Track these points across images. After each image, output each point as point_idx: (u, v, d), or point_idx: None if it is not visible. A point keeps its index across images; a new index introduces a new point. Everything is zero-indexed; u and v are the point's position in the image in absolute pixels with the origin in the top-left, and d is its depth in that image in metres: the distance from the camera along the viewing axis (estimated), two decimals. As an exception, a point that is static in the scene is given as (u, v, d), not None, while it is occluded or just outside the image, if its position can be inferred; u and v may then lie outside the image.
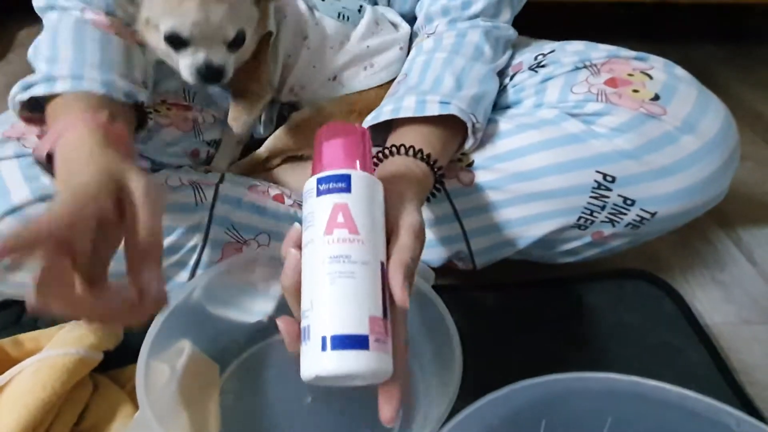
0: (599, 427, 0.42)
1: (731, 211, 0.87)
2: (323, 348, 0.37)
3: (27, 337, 0.58)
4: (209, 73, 0.61)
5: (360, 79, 0.72)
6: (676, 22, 1.50)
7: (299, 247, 0.42)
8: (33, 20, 0.63)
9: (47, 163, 0.51)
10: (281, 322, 0.41)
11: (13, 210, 0.55)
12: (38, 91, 0.54)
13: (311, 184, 0.43)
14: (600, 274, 0.73)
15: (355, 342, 0.37)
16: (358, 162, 0.43)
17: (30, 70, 0.58)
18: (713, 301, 0.73)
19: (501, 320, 0.68)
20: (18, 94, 0.55)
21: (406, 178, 0.49)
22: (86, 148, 0.47)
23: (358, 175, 0.42)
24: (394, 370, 0.39)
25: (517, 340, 0.66)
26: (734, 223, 0.87)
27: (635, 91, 0.58)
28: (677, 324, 0.68)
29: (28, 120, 0.58)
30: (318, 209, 0.41)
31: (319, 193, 0.42)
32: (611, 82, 0.59)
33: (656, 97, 0.57)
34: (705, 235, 0.84)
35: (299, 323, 0.40)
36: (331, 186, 0.42)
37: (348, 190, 0.41)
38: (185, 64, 0.61)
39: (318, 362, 0.37)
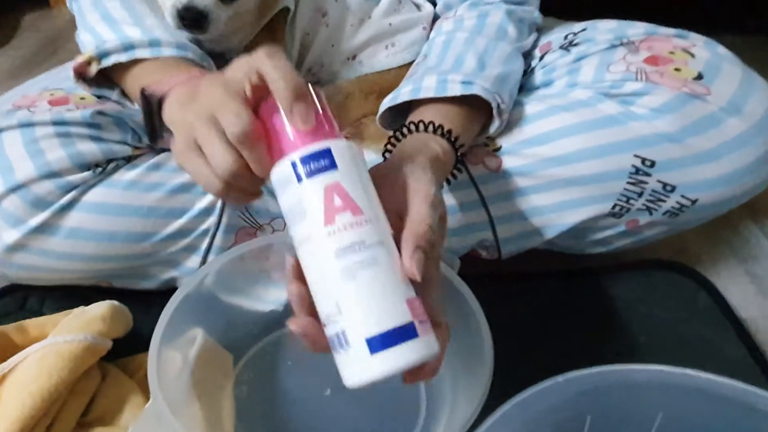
0: (649, 423, 0.39)
1: (761, 202, 0.83)
2: (372, 351, 0.33)
3: (32, 324, 0.56)
4: (189, 16, 0.56)
5: (381, 59, 0.69)
6: (699, 11, 1.46)
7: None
8: (37, 6, 0.61)
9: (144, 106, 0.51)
10: (293, 325, 0.36)
11: (18, 187, 0.53)
12: (143, 54, 0.54)
13: (284, 170, 0.36)
14: (629, 264, 0.70)
15: (403, 334, 0.34)
16: (325, 126, 0.37)
17: (36, 54, 0.56)
18: (747, 295, 0.70)
19: (525, 312, 0.65)
20: (116, 54, 0.55)
21: (423, 154, 0.46)
22: None
23: (337, 145, 0.36)
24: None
25: (541, 332, 0.63)
26: (765, 215, 0.83)
27: (677, 69, 0.54)
28: (712, 317, 0.65)
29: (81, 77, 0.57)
30: (306, 197, 0.35)
31: (300, 177, 0.36)
32: (651, 60, 0.55)
33: (699, 76, 0.54)
34: (735, 227, 0.81)
35: (314, 320, 0.36)
36: (312, 167, 0.35)
37: (333, 165, 0.35)
38: (168, 4, 0.57)
39: (369, 368, 0.34)
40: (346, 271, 0.34)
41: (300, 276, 0.37)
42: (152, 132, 0.54)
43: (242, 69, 0.37)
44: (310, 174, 0.35)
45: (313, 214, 0.35)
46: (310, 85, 0.37)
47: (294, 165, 0.36)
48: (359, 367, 0.34)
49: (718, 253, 0.76)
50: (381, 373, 0.33)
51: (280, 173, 0.36)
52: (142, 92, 0.51)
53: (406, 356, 0.33)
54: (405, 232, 0.37)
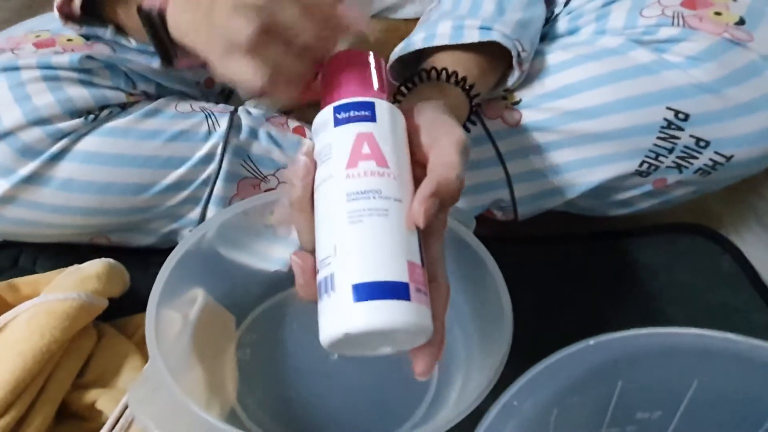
0: (683, 390, 0.36)
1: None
2: (355, 299, 0.30)
3: (24, 281, 0.53)
4: None
5: (406, 9, 0.64)
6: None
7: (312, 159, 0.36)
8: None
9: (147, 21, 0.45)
10: (296, 256, 0.34)
11: (5, 134, 0.50)
12: None
13: (326, 114, 0.37)
14: (651, 228, 0.67)
15: (394, 290, 0.31)
16: (377, 91, 0.38)
17: (28, 6, 0.51)
18: (773, 261, 0.67)
19: (540, 277, 0.62)
20: None
21: (437, 103, 0.42)
22: None
23: (381, 104, 0.37)
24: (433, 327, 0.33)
25: (558, 299, 0.60)
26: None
27: (717, 13, 0.50)
28: (738, 283, 0.62)
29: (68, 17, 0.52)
30: (337, 140, 0.35)
31: (338, 122, 0.36)
32: (689, 4, 0.51)
33: (741, 21, 0.50)
34: (759, 191, 0.78)
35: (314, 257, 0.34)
36: (352, 114, 0.36)
37: (373, 119, 0.36)
38: None
39: (348, 316, 0.30)
40: (354, 214, 0.33)
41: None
42: (165, 54, 0.48)
43: None
44: (348, 120, 0.36)
45: (339, 155, 0.35)
46: (372, 54, 0.39)
47: (335, 109, 0.37)
48: (338, 316, 0.31)
49: (741, 218, 0.73)
50: (358, 325, 0.30)
51: (321, 117, 0.37)
52: (139, 11, 0.46)
53: (391, 315, 0.30)
54: (428, 176, 0.34)
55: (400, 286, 0.31)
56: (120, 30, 0.54)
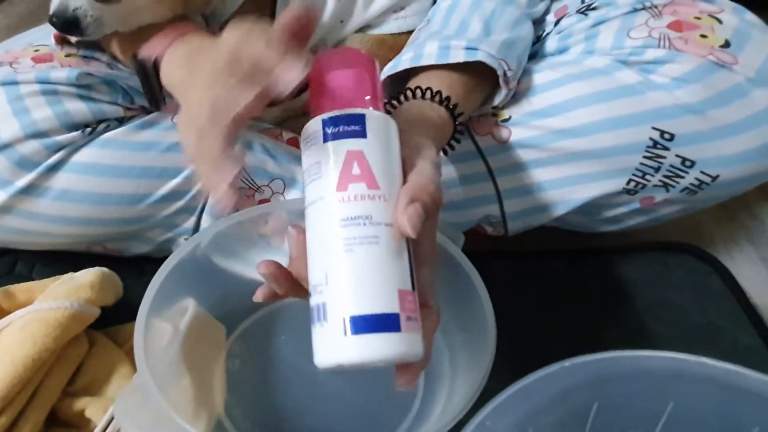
0: (658, 412, 0.37)
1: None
2: (346, 332, 0.31)
3: (19, 288, 0.54)
4: (60, 20, 0.50)
5: (389, 24, 0.65)
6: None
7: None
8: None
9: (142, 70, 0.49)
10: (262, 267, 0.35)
11: (3, 147, 0.51)
12: None
13: (314, 126, 0.35)
14: (641, 246, 0.68)
15: (385, 323, 0.31)
16: (368, 98, 0.36)
17: (33, 12, 0.53)
18: (761, 280, 0.67)
19: (530, 292, 0.63)
20: None
21: (420, 122, 0.43)
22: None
23: (373, 116, 0.35)
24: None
25: (547, 314, 0.61)
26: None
27: (703, 36, 0.51)
28: (725, 303, 0.62)
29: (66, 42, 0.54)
30: (326, 158, 0.34)
31: (327, 138, 0.35)
32: (675, 26, 0.52)
33: (726, 44, 0.51)
34: (751, 210, 0.78)
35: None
36: (341, 129, 0.35)
37: (363, 134, 0.34)
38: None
39: (340, 349, 0.31)
40: (345, 242, 0.32)
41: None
42: (153, 98, 0.51)
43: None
44: (337, 136, 0.35)
45: (329, 176, 0.34)
46: (364, 54, 0.37)
47: (324, 123, 0.35)
48: (331, 347, 0.31)
49: (733, 237, 0.74)
50: (350, 358, 0.31)
51: (310, 129, 0.36)
52: (134, 58, 0.48)
53: (381, 348, 0.31)
54: (404, 186, 0.34)
55: (392, 317, 0.31)
56: (115, 58, 0.56)
